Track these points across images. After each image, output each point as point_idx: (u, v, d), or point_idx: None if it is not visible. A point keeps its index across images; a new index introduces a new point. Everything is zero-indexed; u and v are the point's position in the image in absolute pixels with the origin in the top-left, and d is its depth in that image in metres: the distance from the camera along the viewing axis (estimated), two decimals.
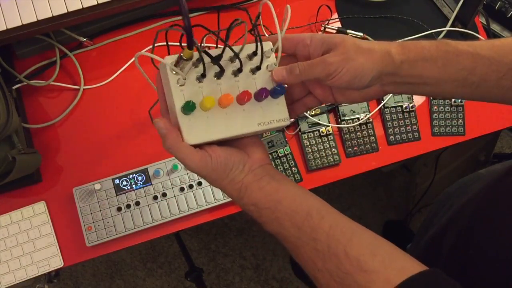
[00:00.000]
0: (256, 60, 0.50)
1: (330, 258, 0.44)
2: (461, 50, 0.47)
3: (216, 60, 0.48)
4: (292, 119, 0.49)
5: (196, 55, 0.47)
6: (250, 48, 0.50)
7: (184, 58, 0.46)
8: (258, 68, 0.50)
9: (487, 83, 0.48)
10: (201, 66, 0.48)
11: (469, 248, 0.60)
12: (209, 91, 0.49)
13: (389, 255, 0.45)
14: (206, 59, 0.48)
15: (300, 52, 0.51)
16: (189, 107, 0.47)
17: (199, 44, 0.46)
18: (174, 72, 0.48)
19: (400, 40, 0.49)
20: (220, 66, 0.48)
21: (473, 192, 0.70)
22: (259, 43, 0.49)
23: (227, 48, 0.47)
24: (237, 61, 0.49)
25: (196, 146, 0.49)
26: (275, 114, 0.50)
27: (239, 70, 0.50)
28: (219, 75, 0.49)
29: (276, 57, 0.51)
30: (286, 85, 0.51)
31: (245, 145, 0.52)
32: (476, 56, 0.47)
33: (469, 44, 0.48)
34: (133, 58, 0.90)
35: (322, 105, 0.88)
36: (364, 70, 0.47)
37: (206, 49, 0.48)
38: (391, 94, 0.89)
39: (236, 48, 0.49)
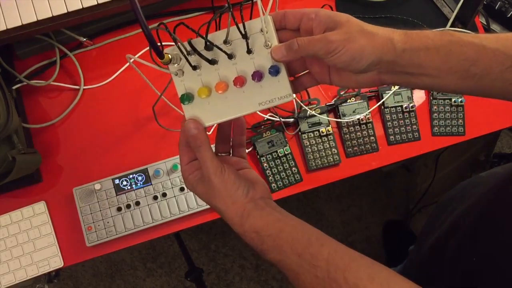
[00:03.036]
0: (252, 39, 0.50)
1: (330, 284, 0.45)
2: (465, 41, 0.46)
3: (199, 54, 0.49)
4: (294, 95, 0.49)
5: (187, 47, 0.49)
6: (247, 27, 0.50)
7: (165, 63, 0.49)
8: (249, 51, 0.50)
9: (490, 76, 0.47)
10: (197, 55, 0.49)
11: (473, 255, 0.60)
12: (207, 77, 0.51)
13: (386, 279, 0.45)
14: (201, 47, 0.50)
15: (304, 26, 0.49)
16: (186, 98, 0.50)
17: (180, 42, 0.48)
18: (176, 64, 0.51)
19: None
20: (205, 58, 0.49)
21: (474, 198, 0.70)
22: (245, 26, 0.48)
23: (220, 33, 0.49)
24: (231, 44, 0.50)
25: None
26: (277, 91, 0.50)
27: (231, 55, 0.50)
28: (212, 62, 0.50)
29: (265, 33, 0.50)
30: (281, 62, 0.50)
31: (251, 179, 0.54)
32: (481, 47, 0.46)
33: (474, 36, 0.48)
34: (128, 63, 0.91)
35: (322, 105, 0.88)
36: (364, 53, 0.46)
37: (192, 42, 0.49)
38: (391, 94, 0.89)
39: (223, 33, 0.50)
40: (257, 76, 0.49)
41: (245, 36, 0.49)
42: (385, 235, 1.59)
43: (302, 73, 0.53)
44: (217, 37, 0.50)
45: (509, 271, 0.53)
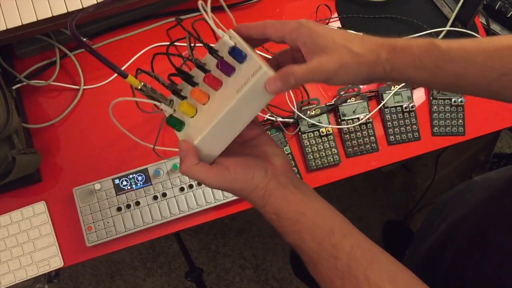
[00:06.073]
0: (220, 52, 0.50)
1: (350, 279, 0.44)
2: (453, 56, 0.47)
3: (166, 86, 0.50)
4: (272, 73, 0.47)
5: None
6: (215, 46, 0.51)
7: (137, 88, 0.49)
8: (214, 50, 0.49)
9: (477, 87, 0.49)
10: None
11: (468, 270, 0.60)
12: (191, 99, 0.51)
13: (408, 285, 0.45)
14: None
15: (288, 41, 0.48)
16: (175, 123, 0.50)
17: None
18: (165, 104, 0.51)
19: (393, 39, 0.48)
20: (174, 89, 0.50)
21: (469, 205, 0.69)
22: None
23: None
24: (206, 65, 0.50)
25: (198, 145, 0.49)
26: (249, 71, 0.47)
27: (204, 68, 0.50)
28: (190, 83, 0.50)
29: (217, 40, 0.49)
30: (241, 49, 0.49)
31: (266, 153, 0.52)
32: (468, 63, 0.47)
33: (461, 47, 0.48)
34: (129, 62, 0.90)
35: (322, 105, 0.88)
36: (357, 77, 0.47)
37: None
38: (391, 94, 0.89)
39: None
40: (221, 64, 0.47)
41: (210, 50, 0.49)
42: (385, 235, 1.59)
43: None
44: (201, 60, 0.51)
45: (504, 286, 0.53)
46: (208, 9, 0.47)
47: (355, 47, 0.46)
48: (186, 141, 0.48)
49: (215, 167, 0.48)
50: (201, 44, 0.49)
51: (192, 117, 0.50)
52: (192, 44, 0.50)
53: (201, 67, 0.50)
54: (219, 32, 0.48)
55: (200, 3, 0.47)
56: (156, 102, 0.50)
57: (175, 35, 0.93)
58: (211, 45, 0.49)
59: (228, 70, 0.48)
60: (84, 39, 0.89)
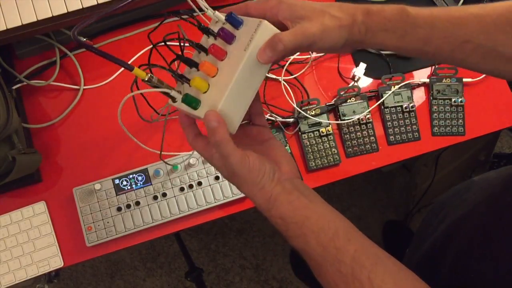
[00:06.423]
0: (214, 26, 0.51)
1: (353, 282, 0.44)
2: (419, 21, 0.49)
3: (172, 71, 0.50)
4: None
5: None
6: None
7: (144, 80, 0.49)
8: (206, 30, 0.50)
9: (442, 54, 0.51)
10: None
11: (469, 270, 0.60)
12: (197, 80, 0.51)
13: None
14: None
15: (269, 18, 0.50)
16: (191, 101, 0.49)
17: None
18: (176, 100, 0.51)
19: (369, 4, 0.50)
20: (184, 60, 0.50)
21: (468, 205, 0.69)
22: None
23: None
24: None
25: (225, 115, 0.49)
26: (249, 31, 0.48)
27: (203, 47, 0.51)
28: (191, 65, 0.51)
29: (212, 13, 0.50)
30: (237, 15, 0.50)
31: (275, 157, 0.52)
32: (432, 28, 0.49)
33: (430, 14, 0.49)
34: (129, 62, 0.90)
35: (322, 105, 0.88)
36: (339, 40, 0.49)
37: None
38: (391, 93, 0.89)
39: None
40: (222, 32, 0.49)
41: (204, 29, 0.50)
42: (385, 235, 1.59)
43: None
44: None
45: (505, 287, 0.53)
46: None
47: (333, 11, 0.48)
48: (214, 111, 0.47)
49: (241, 150, 0.48)
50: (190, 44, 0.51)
51: (205, 92, 0.50)
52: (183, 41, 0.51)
53: (201, 46, 0.51)
54: (210, 10, 0.50)
55: None
56: (166, 90, 0.50)
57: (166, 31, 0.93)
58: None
59: (229, 37, 0.49)
60: (84, 39, 0.89)
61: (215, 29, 0.50)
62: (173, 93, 0.50)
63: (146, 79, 0.48)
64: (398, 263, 0.47)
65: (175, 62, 0.51)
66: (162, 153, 0.84)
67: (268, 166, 0.50)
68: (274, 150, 0.53)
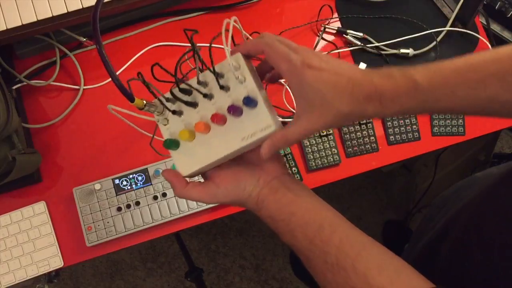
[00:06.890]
0: (226, 77, 0.49)
1: (339, 272, 0.45)
2: (437, 95, 0.46)
3: (176, 98, 0.49)
4: (280, 122, 0.48)
5: (167, 94, 0.51)
6: (219, 67, 0.50)
7: (138, 107, 0.50)
8: (221, 87, 0.49)
9: (469, 114, 0.50)
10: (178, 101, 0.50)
11: (464, 260, 0.60)
12: (189, 121, 0.51)
13: (396, 271, 0.45)
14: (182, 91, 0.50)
15: (280, 71, 0.48)
16: (171, 144, 0.50)
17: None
18: (158, 114, 0.52)
19: (382, 82, 0.46)
20: (184, 102, 0.50)
21: (468, 198, 0.70)
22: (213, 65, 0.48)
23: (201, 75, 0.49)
24: (208, 85, 0.50)
25: (191, 176, 0.52)
26: (257, 123, 0.47)
27: (208, 95, 0.50)
28: (192, 105, 0.50)
29: (232, 68, 0.48)
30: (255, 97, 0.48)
31: (257, 160, 0.52)
32: (452, 97, 0.46)
33: (444, 83, 0.46)
34: (130, 62, 0.90)
35: None
36: (342, 125, 0.48)
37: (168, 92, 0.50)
38: None
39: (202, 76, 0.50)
40: (232, 109, 0.48)
41: (214, 73, 0.48)
42: (385, 235, 1.59)
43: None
44: (194, 80, 0.50)
45: (498, 275, 0.53)
46: (229, 36, 0.47)
47: (343, 107, 0.45)
48: (167, 170, 0.52)
49: (206, 186, 0.51)
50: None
51: (187, 141, 0.51)
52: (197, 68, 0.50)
53: (206, 94, 0.50)
54: (231, 66, 0.47)
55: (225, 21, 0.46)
56: (158, 122, 0.52)
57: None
58: (215, 66, 0.49)
59: (237, 113, 0.48)
60: (84, 39, 0.89)
61: (228, 72, 0.48)
62: (161, 128, 0.53)
63: (144, 109, 0.50)
64: (384, 249, 0.47)
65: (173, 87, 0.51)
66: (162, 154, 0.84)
67: (246, 176, 0.51)
68: (255, 154, 0.52)
